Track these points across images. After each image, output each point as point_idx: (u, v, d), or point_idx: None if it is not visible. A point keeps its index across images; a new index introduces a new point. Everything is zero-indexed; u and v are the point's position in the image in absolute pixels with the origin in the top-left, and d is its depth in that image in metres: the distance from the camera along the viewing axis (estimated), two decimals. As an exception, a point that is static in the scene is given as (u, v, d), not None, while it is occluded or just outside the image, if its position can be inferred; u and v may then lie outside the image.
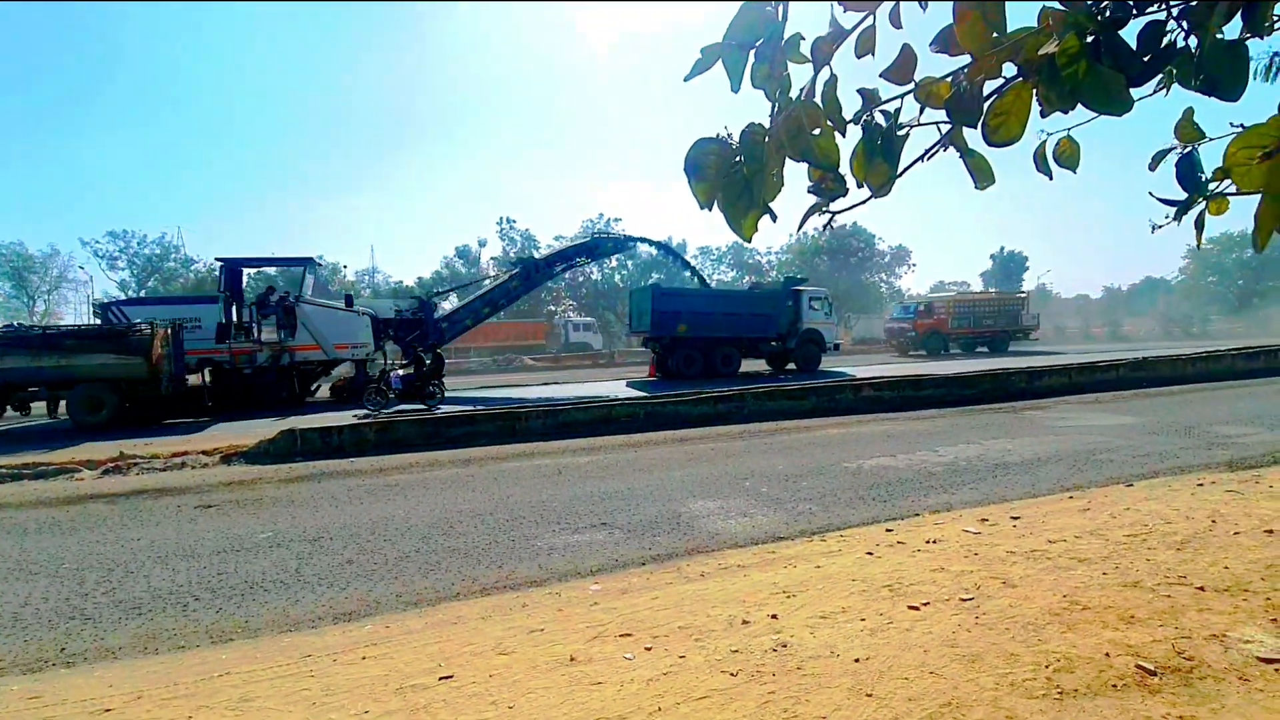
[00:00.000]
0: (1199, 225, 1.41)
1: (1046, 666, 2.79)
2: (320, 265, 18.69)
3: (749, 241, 1.09)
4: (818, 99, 1.04)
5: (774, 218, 1.12)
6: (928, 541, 4.67)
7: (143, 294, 45.50)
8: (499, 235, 59.14)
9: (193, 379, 15.64)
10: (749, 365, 22.97)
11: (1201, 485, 5.98)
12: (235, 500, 6.92)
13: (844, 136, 1.12)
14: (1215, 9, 0.85)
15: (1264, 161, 0.62)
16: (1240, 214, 1.48)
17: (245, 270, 19.48)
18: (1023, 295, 38.28)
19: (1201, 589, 3.54)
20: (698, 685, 2.79)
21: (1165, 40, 0.98)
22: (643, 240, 24.70)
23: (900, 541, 4.73)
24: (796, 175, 1.32)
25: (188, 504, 6.81)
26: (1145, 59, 0.97)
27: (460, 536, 5.43)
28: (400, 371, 14.67)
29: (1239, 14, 0.86)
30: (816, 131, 1.02)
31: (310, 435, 9.56)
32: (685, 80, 1.04)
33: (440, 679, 2.97)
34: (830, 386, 13.07)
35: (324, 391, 18.67)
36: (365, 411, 13.18)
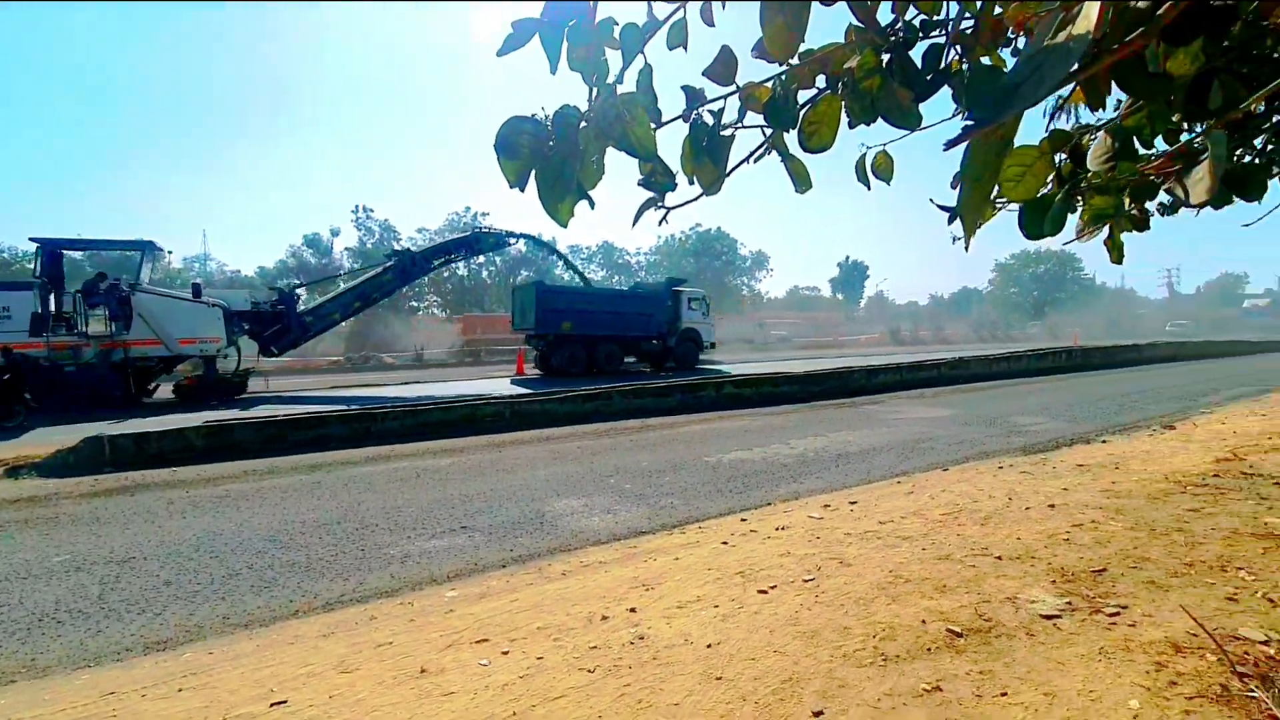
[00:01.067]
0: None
1: (874, 636, 3.06)
2: (159, 250, 16.44)
3: (565, 226, 1.09)
4: (632, 88, 1.05)
5: (592, 204, 1.13)
6: (777, 528, 4.95)
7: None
8: (355, 224, 55.63)
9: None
10: (630, 363, 23.36)
11: (1002, 468, 6.86)
12: (23, 520, 5.92)
13: (658, 127, 1.14)
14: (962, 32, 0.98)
15: (949, 147, 0.72)
16: (1014, 227, 1.67)
17: (67, 253, 16.75)
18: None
19: (999, 558, 4.05)
20: (555, 685, 2.76)
21: (944, 62, 1.10)
22: (525, 237, 24.09)
23: (753, 530, 4.98)
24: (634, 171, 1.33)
25: (-44, 527, 5.73)
26: (929, 78, 1.09)
27: (301, 549, 5.01)
28: None
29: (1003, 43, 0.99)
30: (633, 120, 1.03)
31: (122, 442, 8.40)
32: (499, 55, 1.01)
33: (271, 705, 2.71)
34: (694, 384, 13.53)
35: (166, 391, 16.67)
36: None
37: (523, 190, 1.06)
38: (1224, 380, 17.29)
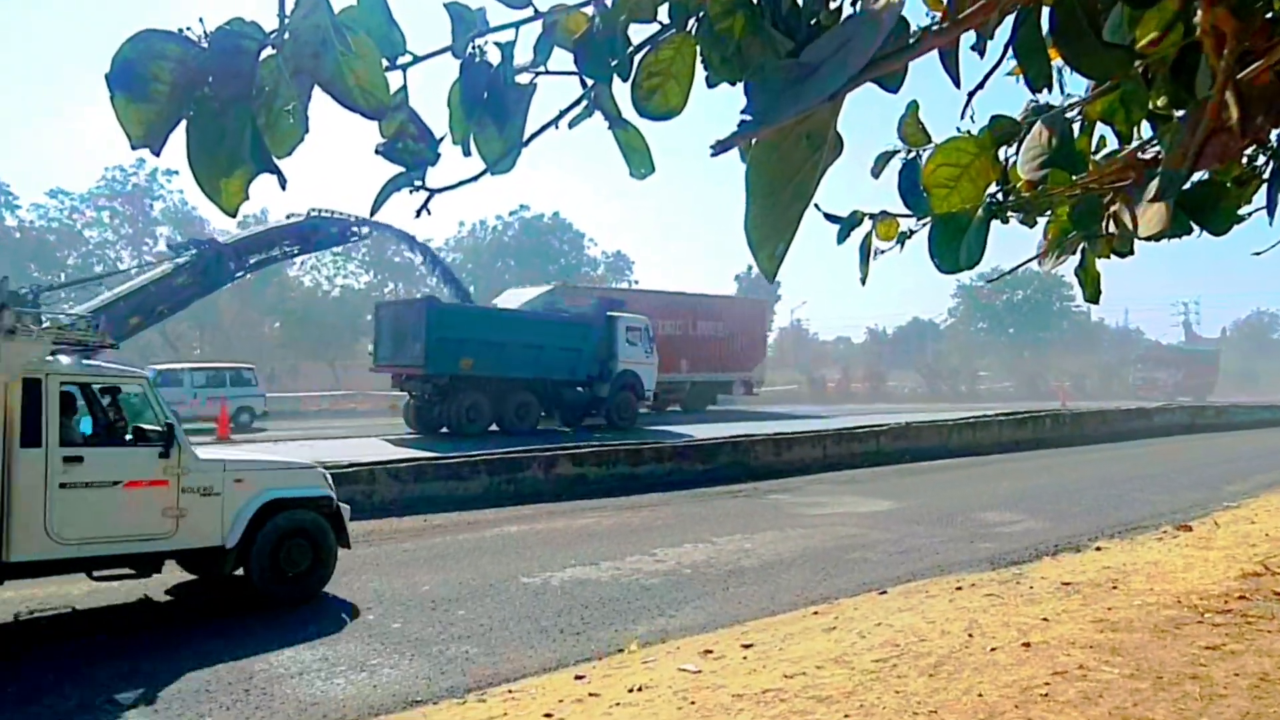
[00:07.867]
0: (864, 252, 1.75)
1: None
2: None
3: (233, 215, 1.05)
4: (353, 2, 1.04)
5: (283, 183, 1.09)
6: (632, 690, 4.98)
7: None
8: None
9: None
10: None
11: (960, 589, 7.40)
12: None
13: (404, 66, 1.14)
14: None
15: (716, 153, 0.78)
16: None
17: None
18: None
19: (953, 726, 4.33)
20: None
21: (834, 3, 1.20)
22: (383, 227, 24.24)
23: (594, 693, 4.98)
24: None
25: None
26: (811, 23, 1.18)
27: None
28: None
29: None
30: (352, 52, 1.01)
31: None
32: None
33: None
34: (510, 459, 13.44)
35: None
36: None
37: (156, 152, 1.00)
38: (1255, 460, 19.89)
